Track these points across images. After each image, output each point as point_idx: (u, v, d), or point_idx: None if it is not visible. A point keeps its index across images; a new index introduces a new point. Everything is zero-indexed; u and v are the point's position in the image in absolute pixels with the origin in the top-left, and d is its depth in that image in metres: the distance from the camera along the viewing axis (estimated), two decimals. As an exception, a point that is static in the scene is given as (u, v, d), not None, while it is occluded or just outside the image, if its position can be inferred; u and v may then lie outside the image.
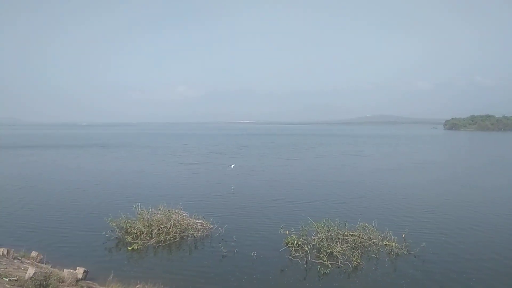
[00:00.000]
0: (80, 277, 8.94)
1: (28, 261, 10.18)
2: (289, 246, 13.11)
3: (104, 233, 13.88)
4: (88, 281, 9.28)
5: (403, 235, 13.61)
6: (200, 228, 14.55)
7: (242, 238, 14.15)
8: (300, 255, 12.43)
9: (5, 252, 10.10)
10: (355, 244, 13.11)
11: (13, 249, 10.61)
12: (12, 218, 16.55)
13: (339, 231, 13.60)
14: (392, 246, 13.07)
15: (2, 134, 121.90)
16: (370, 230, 13.80)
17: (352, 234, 13.62)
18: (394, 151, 59.37)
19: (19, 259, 10.17)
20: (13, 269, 8.70)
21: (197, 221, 14.91)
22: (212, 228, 14.81)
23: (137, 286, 9.51)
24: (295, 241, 13.06)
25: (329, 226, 13.65)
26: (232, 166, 35.83)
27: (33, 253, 10.86)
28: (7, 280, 7.20)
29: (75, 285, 8.24)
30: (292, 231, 13.56)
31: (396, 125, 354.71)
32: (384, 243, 13.37)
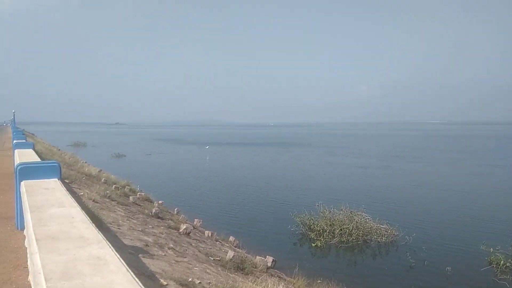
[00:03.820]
0: (269, 265, 9.54)
1: (227, 245, 11.50)
2: (493, 266, 11.13)
3: (289, 227, 14.69)
4: (276, 270, 9.85)
5: None
6: (385, 234, 13.78)
7: (434, 250, 12.74)
8: (508, 278, 10.39)
9: (209, 235, 11.66)
10: None
11: (215, 233, 12.17)
12: (216, 206, 19.16)
13: None
14: None
15: (206, 133, 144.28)
16: None
17: None
18: None
19: (220, 242, 11.58)
20: (216, 250, 9.93)
21: (381, 226, 14.18)
22: (397, 235, 13.83)
23: (318, 281, 9.58)
24: (502, 262, 10.99)
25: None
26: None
27: (231, 238, 12.23)
28: (212, 259, 8.24)
29: (266, 272, 8.82)
30: (498, 250, 11.46)
31: None
32: None
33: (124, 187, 15.23)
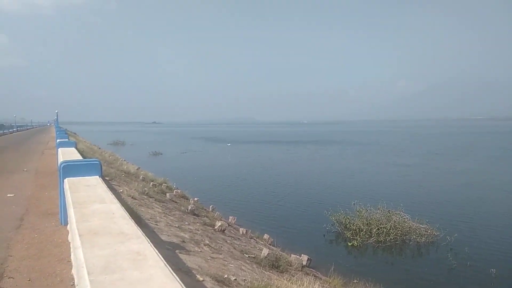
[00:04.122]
0: (305, 264, 9.49)
1: (262, 242, 11.52)
2: (543, 271, 10.53)
3: (324, 225, 14.49)
4: (311, 269, 9.76)
5: None
6: (424, 234, 13.31)
7: (477, 251, 12.17)
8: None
9: (244, 232, 11.71)
10: None
11: (250, 230, 12.22)
12: (251, 204, 19.22)
13: None
14: None
15: (239, 131, 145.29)
16: None
17: None
18: None
19: (254, 239, 11.62)
20: (250, 247, 9.97)
21: (421, 225, 13.70)
22: (438, 235, 13.31)
23: (354, 281, 9.43)
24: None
25: None
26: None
27: (265, 236, 12.24)
28: (247, 256, 8.27)
29: (301, 270, 8.77)
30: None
31: None
32: None
33: (161, 184, 15.61)
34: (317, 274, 9.57)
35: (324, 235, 14.10)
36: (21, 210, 6.90)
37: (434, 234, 13.36)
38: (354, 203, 15.05)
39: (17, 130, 61.54)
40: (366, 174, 30.60)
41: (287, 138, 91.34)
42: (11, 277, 3.92)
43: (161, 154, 47.47)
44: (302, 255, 10.01)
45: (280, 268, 7.92)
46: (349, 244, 12.98)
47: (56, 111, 50.85)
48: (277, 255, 8.51)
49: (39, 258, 4.54)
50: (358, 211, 14.52)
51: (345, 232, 13.76)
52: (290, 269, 8.34)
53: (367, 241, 13.10)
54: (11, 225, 5.85)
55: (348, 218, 14.19)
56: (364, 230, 13.43)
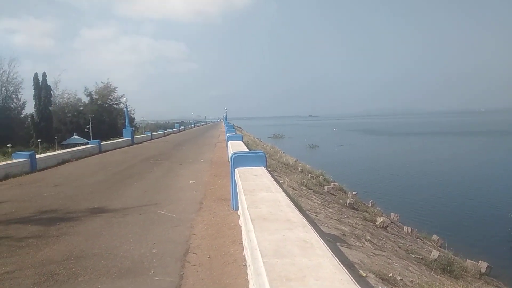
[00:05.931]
0: (483, 272, 8.26)
1: (430, 243, 10.50)
2: None
3: (509, 229, 12.37)
4: (492, 278, 8.45)
5: None
6: None
7: None
8: None
9: (409, 231, 10.88)
10: None
11: (415, 229, 11.28)
12: (414, 201, 17.83)
13: None
14: None
15: (403, 122, 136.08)
16: None
17: None
18: None
19: (421, 239, 10.68)
20: (417, 247, 9.19)
21: None
22: None
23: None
24: None
25: None
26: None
27: (434, 237, 11.11)
28: (413, 256, 7.64)
29: (479, 278, 7.66)
30: None
31: None
32: None
33: (318, 176, 15.78)
34: (499, 284, 8.23)
35: (508, 240, 12.06)
36: (200, 195, 7.85)
37: None
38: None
39: (194, 126, 71.33)
40: None
41: (459, 129, 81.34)
42: (194, 253, 4.47)
43: (318, 147, 48.14)
44: (480, 261, 8.74)
45: (454, 274, 7.06)
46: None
47: (225, 108, 56.80)
48: (449, 258, 7.62)
49: (215, 238, 5.06)
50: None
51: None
52: (465, 275, 7.38)
53: None
54: (193, 208, 6.70)
55: (542, 223, 11.81)
56: None
